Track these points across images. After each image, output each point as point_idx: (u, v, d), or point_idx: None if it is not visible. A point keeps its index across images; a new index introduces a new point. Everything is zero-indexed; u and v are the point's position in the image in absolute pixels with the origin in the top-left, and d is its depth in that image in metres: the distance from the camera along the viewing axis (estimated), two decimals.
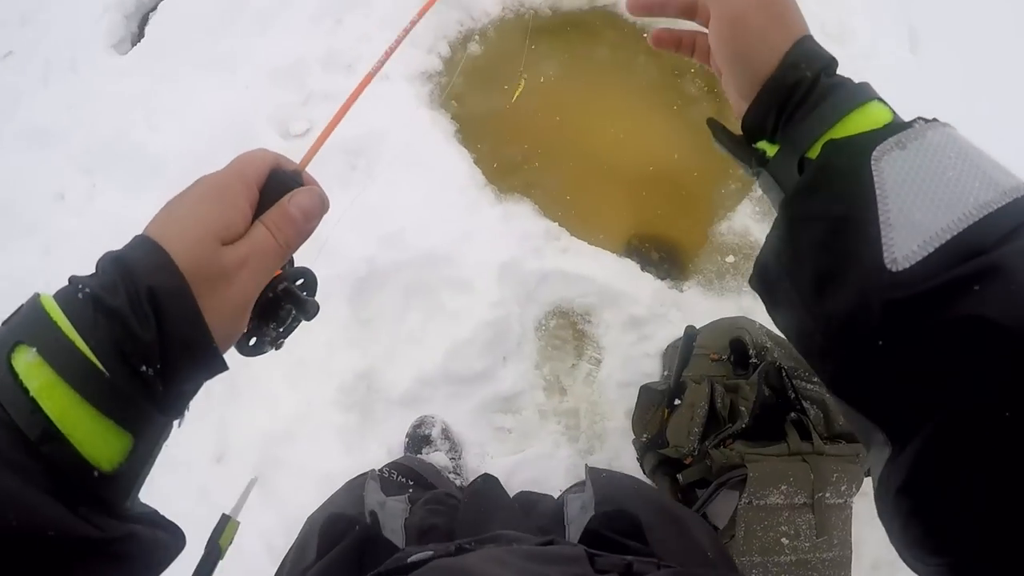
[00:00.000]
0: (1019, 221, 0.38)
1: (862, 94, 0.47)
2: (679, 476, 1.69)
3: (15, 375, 0.36)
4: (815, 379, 1.71)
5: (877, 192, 0.40)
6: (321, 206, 0.51)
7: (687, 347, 1.69)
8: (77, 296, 0.39)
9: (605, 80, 2.33)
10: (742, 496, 1.53)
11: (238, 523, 0.62)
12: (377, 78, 2.04)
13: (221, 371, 0.43)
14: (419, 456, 1.76)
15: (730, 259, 2.14)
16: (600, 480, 0.90)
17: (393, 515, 0.87)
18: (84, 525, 0.36)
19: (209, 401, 1.84)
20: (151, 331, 0.38)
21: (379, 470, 1.19)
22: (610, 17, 2.38)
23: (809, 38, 0.50)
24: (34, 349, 0.37)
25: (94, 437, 0.37)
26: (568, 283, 2.00)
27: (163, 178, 2.06)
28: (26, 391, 0.36)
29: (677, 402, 1.72)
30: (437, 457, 1.77)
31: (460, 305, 1.90)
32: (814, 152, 0.46)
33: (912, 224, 0.39)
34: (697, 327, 1.90)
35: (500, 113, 2.25)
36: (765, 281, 0.50)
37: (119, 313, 0.38)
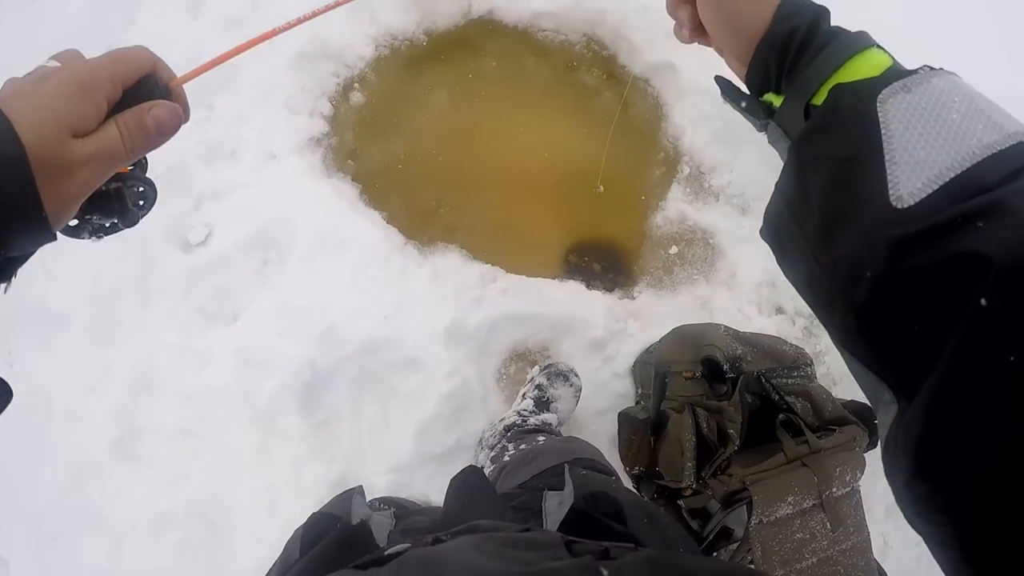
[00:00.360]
0: (1023, 162, 0.39)
1: (861, 41, 0.49)
2: (680, 502, 1.66)
3: None
4: (795, 372, 1.67)
5: (883, 132, 0.42)
6: (177, 124, 0.50)
7: (660, 384, 1.64)
8: None
9: (500, 93, 2.20)
10: (751, 518, 1.50)
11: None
12: (266, 159, 1.91)
13: (49, 241, 0.43)
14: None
15: (673, 250, 2.06)
16: (580, 478, 0.94)
17: (380, 527, 0.87)
18: None
19: (195, 548, 1.76)
20: None
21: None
22: (488, 26, 2.24)
23: None
24: None
25: None
26: (518, 324, 1.92)
27: (71, 330, 1.92)
28: None
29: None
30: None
31: (414, 385, 1.81)
32: (819, 98, 0.48)
33: (917, 162, 0.40)
34: (661, 336, 1.85)
35: (401, 159, 2.12)
36: (774, 230, 0.51)
37: None
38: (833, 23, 0.52)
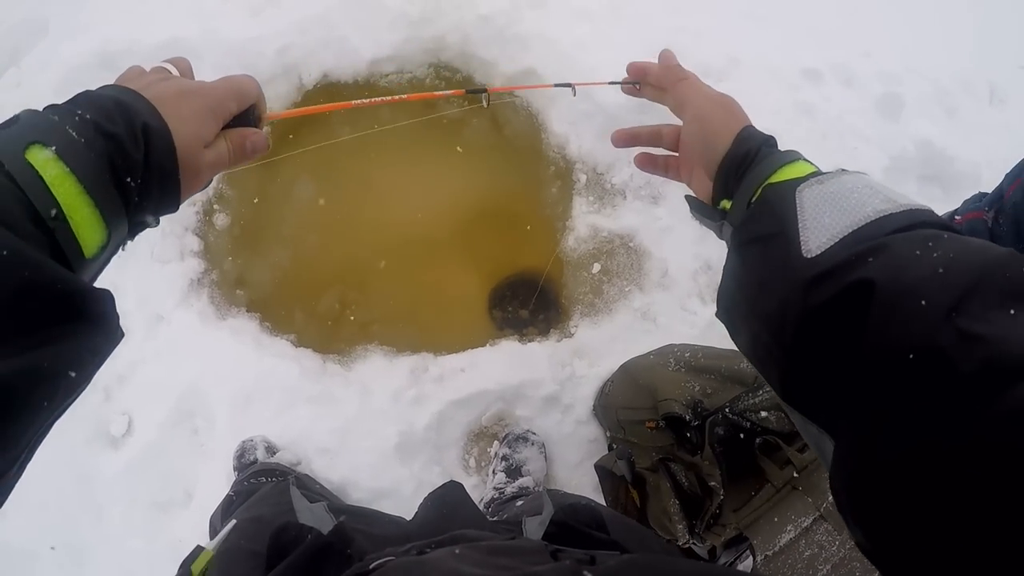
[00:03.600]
0: (911, 221, 0.47)
1: (792, 155, 0.62)
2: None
3: (31, 167, 0.44)
4: (760, 391, 1.57)
5: (798, 211, 0.52)
6: (264, 150, 0.64)
7: (631, 471, 1.57)
8: (75, 118, 0.48)
9: (366, 159, 2.02)
10: (756, 560, 1.47)
11: (212, 553, 0.73)
12: (155, 323, 1.79)
13: (173, 210, 0.56)
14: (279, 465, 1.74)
15: (596, 268, 1.93)
16: (558, 496, 1.00)
17: (324, 523, 0.91)
18: (78, 280, 0.44)
19: None
20: (140, 152, 0.50)
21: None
22: (327, 92, 2.02)
23: (751, 126, 0.67)
24: (52, 147, 0.46)
25: (87, 224, 0.47)
26: (465, 408, 1.83)
27: (42, 562, 1.88)
28: (42, 179, 0.45)
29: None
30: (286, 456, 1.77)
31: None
32: (756, 197, 0.60)
33: (822, 226, 0.50)
34: (611, 371, 1.76)
35: (288, 268, 1.98)
36: (725, 306, 0.61)
37: (116, 136, 0.49)
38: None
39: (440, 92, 0.91)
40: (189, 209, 2.00)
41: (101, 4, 2.11)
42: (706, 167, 0.67)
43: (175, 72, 0.62)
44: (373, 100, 0.79)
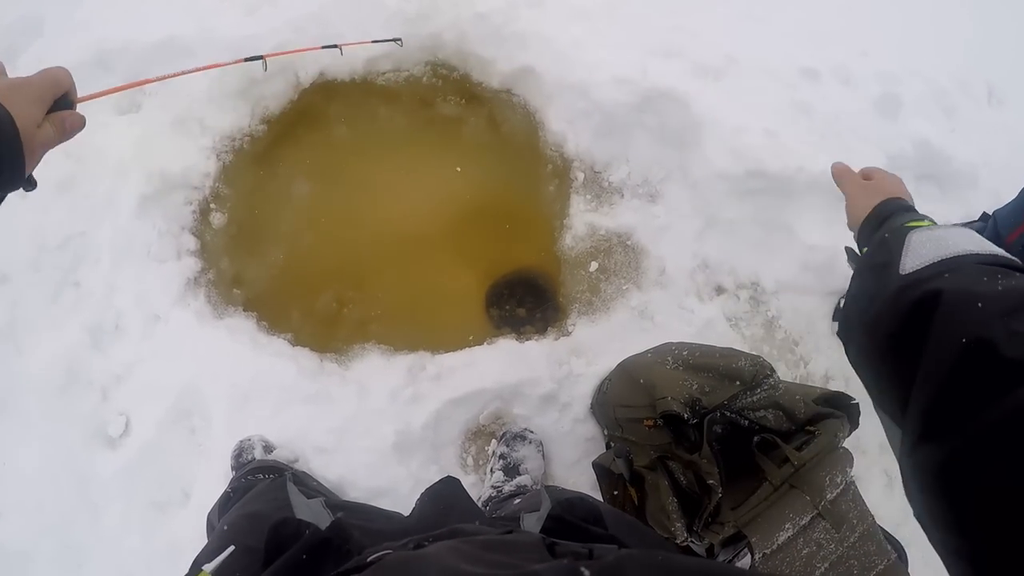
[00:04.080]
0: (993, 260, 0.58)
1: (922, 215, 0.78)
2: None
3: None
4: (758, 389, 1.57)
5: (905, 245, 0.65)
6: (81, 127, 0.74)
7: (629, 470, 1.57)
8: None
9: (362, 157, 2.01)
10: (754, 558, 1.46)
11: (209, 575, 0.73)
12: (152, 322, 1.78)
13: (18, 185, 0.66)
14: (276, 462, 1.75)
15: (594, 266, 1.92)
16: (556, 492, 1.02)
17: (321, 518, 0.93)
18: None
19: None
20: None
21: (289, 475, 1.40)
22: (324, 90, 2.02)
23: (898, 199, 0.86)
24: None
25: None
26: (463, 406, 1.83)
27: (38, 564, 1.88)
28: None
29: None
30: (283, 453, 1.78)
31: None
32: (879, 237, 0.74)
33: (918, 255, 0.62)
34: (608, 368, 1.76)
35: (285, 266, 1.97)
36: (843, 323, 0.72)
37: None
38: None
39: (221, 63, 1.15)
40: (186, 208, 2.00)
41: (97, 3, 2.10)
42: (854, 231, 0.89)
43: None
44: (167, 75, 1.04)
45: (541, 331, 1.91)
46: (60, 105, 0.72)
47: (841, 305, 1.66)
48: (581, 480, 1.84)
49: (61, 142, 0.72)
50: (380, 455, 1.77)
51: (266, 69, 1.34)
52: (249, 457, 1.76)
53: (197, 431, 1.89)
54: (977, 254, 0.59)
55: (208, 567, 0.71)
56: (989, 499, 0.42)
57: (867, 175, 0.98)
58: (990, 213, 1.72)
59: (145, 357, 1.91)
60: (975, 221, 1.79)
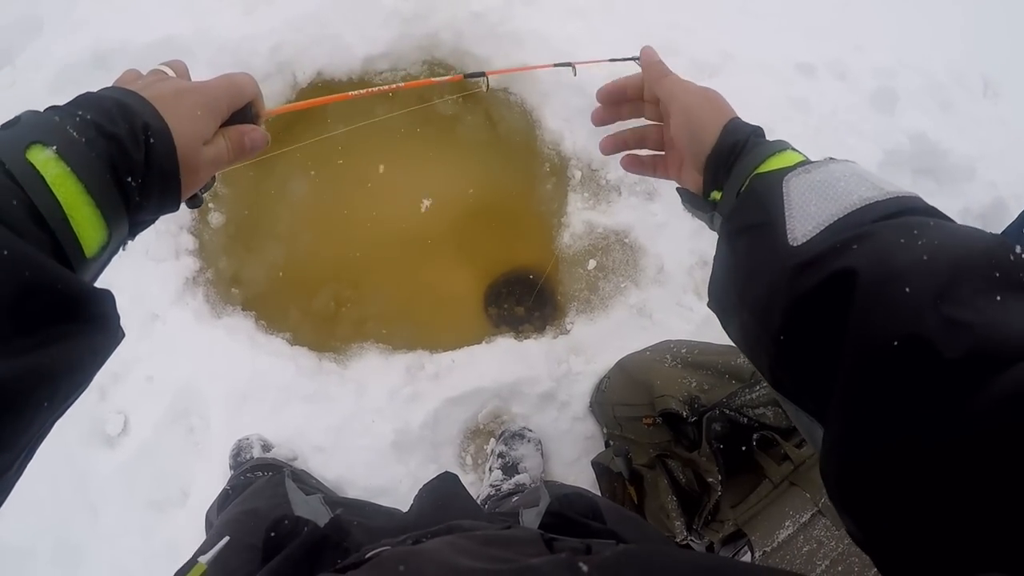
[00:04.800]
0: (897, 209, 0.47)
1: (780, 144, 0.62)
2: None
3: (32, 166, 0.44)
4: (757, 387, 1.57)
5: (784, 200, 0.52)
6: (264, 146, 0.65)
7: (628, 468, 1.57)
8: (76, 119, 0.49)
9: (361, 157, 2.02)
10: (754, 555, 1.47)
11: (205, 567, 0.70)
12: (150, 322, 1.78)
13: (174, 209, 0.58)
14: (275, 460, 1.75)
15: (592, 264, 1.92)
16: (555, 487, 0.99)
17: (320, 515, 0.92)
18: (80, 280, 0.44)
19: None
20: (140, 152, 0.51)
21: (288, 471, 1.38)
22: (322, 90, 2.01)
23: (738, 118, 0.67)
24: (53, 147, 0.46)
25: (87, 223, 0.47)
26: (461, 405, 1.83)
27: (39, 562, 1.88)
28: (43, 179, 0.44)
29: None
30: (282, 451, 1.78)
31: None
32: (745, 187, 0.59)
33: (808, 215, 0.50)
34: (607, 366, 1.76)
35: (283, 266, 1.97)
36: (716, 297, 0.62)
37: (117, 136, 0.49)
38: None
39: (438, 79, 0.95)
40: (182, 208, 1.99)
41: (95, 3, 2.10)
42: (694, 160, 0.67)
43: (171, 74, 0.63)
44: (370, 90, 0.81)
45: (540, 330, 1.91)
46: (240, 118, 0.62)
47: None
48: (580, 479, 1.84)
49: (238, 162, 0.63)
50: (379, 454, 1.77)
51: (487, 89, 1.25)
52: (247, 456, 1.76)
53: (195, 430, 1.89)
54: (877, 201, 0.48)
55: (204, 558, 0.71)
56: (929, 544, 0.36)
57: (650, 71, 0.75)
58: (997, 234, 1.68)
59: (143, 357, 1.91)
60: None
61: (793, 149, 0.61)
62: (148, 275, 1.96)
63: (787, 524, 1.45)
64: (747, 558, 1.50)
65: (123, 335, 0.53)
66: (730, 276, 0.58)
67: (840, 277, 0.43)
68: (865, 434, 0.39)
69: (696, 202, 0.69)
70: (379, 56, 1.98)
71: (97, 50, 1.97)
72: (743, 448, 1.54)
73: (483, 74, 1.04)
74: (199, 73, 0.62)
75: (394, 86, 0.88)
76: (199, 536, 1.71)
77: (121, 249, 0.57)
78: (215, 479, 1.82)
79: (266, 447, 1.78)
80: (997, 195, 2.03)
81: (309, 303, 1.95)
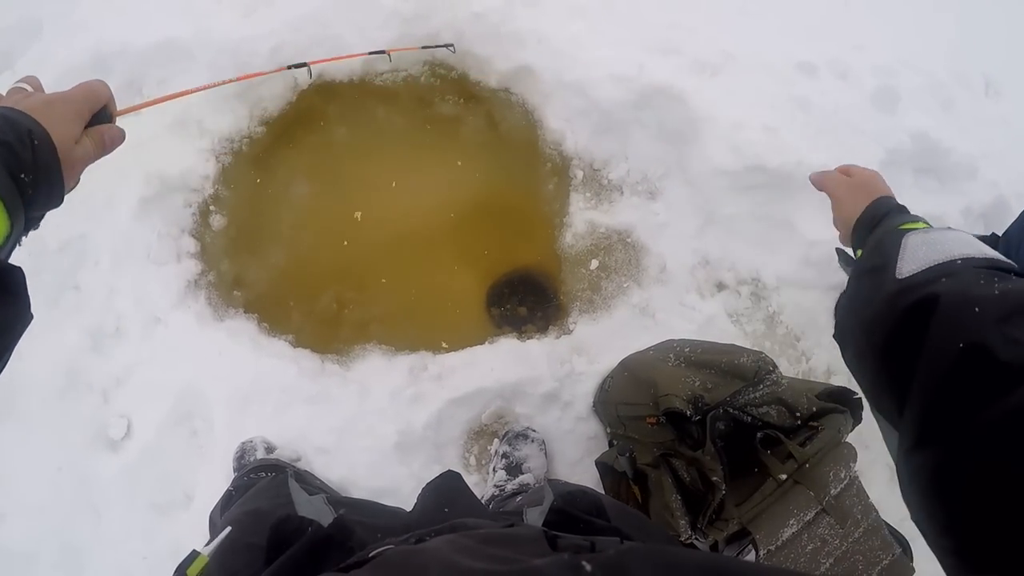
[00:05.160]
0: (989, 265, 0.58)
1: (915, 217, 0.77)
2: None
3: None
4: (760, 386, 1.57)
5: (901, 248, 0.65)
6: (121, 140, 0.74)
7: (632, 467, 1.56)
8: None
9: (362, 158, 2.01)
10: (758, 555, 1.46)
11: (207, 559, 0.74)
12: (152, 325, 1.78)
13: (58, 203, 0.65)
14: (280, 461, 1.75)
15: (594, 264, 1.92)
16: (559, 485, 1.02)
17: (323, 515, 0.94)
18: None
19: None
20: (28, 153, 0.59)
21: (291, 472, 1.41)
22: (323, 91, 2.02)
23: (888, 197, 0.84)
24: None
25: None
26: (464, 406, 1.83)
27: (41, 566, 1.87)
28: None
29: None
30: (285, 452, 1.78)
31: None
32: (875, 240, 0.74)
33: (915, 259, 0.62)
34: (610, 365, 1.76)
35: (285, 268, 1.97)
36: (840, 327, 0.73)
37: (7, 142, 0.57)
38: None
39: (258, 72, 1.14)
40: (185, 211, 2.00)
41: (94, 5, 2.10)
42: (845, 234, 0.87)
43: (30, 89, 0.71)
44: (199, 87, 0.98)
45: (542, 330, 1.91)
46: (99, 119, 0.71)
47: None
48: (584, 478, 1.84)
49: (101, 157, 0.71)
50: (382, 455, 1.77)
51: (311, 76, 1.33)
52: (251, 459, 1.76)
53: (198, 433, 1.89)
54: (973, 257, 0.59)
55: (205, 550, 0.71)
56: (982, 497, 0.43)
57: (846, 172, 0.96)
58: (1000, 234, 1.69)
59: (145, 359, 1.91)
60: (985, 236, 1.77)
61: (925, 221, 0.75)
62: (150, 279, 1.95)
63: (791, 523, 1.45)
64: (751, 557, 1.49)
65: (32, 316, 0.59)
66: (852, 306, 0.70)
67: (928, 299, 0.54)
68: (932, 420, 0.48)
69: (844, 257, 0.90)
70: (380, 57, 1.97)
71: (97, 52, 1.97)
72: (747, 447, 1.54)
73: (306, 64, 1.14)
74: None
75: (222, 82, 1.00)
76: (203, 538, 1.70)
77: (18, 244, 0.62)
78: (218, 482, 1.81)
79: (269, 449, 1.78)
80: (999, 194, 2.03)
81: (311, 305, 1.95)
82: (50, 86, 0.70)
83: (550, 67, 1.89)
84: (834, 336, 0.75)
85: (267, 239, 1.98)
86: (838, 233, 0.94)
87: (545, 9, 2.04)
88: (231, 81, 1.03)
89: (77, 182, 0.69)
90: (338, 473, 1.77)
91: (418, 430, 1.79)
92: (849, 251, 0.89)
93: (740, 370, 1.57)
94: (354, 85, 2.00)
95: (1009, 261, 0.60)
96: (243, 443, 1.79)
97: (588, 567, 0.41)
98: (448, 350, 1.87)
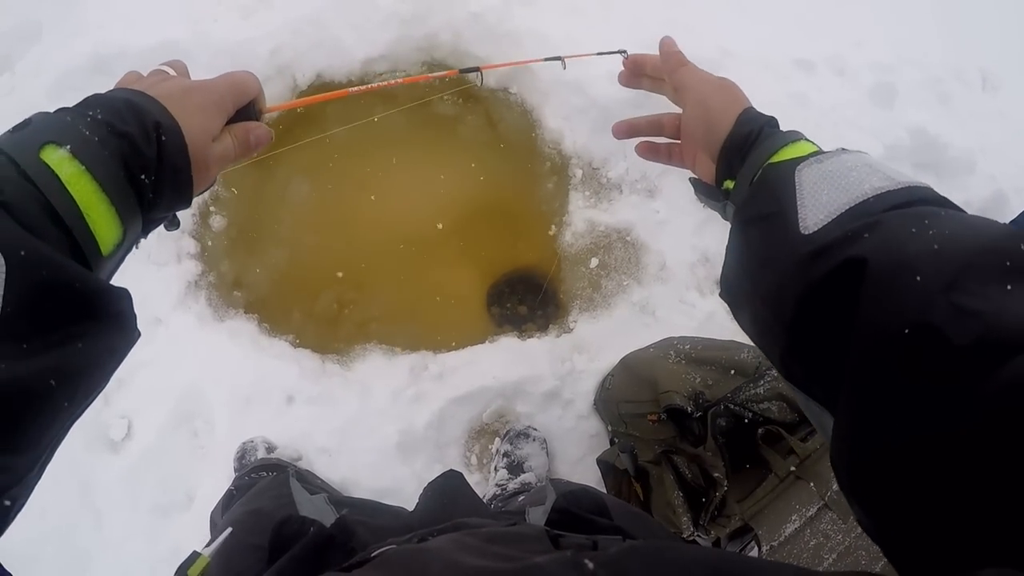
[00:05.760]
0: (908, 199, 0.48)
1: (794, 135, 0.62)
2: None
3: (47, 166, 0.45)
4: (761, 381, 1.57)
5: (796, 189, 0.53)
6: (268, 142, 0.67)
7: (634, 465, 1.57)
8: (87, 119, 0.49)
9: (361, 158, 2.02)
10: (761, 551, 1.47)
11: (208, 559, 0.72)
12: (153, 326, 1.78)
13: (185, 206, 0.58)
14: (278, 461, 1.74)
15: (594, 263, 1.92)
16: (561, 484, 1.00)
17: (325, 514, 0.93)
18: (97, 279, 0.45)
19: None
20: (152, 149, 0.51)
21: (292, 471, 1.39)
22: (325, 91, 2.01)
23: (752, 108, 0.67)
24: (67, 146, 0.46)
25: (103, 221, 0.47)
26: (466, 405, 1.83)
27: (44, 571, 1.88)
28: (58, 177, 0.45)
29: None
30: (287, 452, 1.77)
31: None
32: (758, 177, 0.60)
33: (819, 204, 0.50)
34: (611, 364, 1.76)
35: (285, 269, 1.97)
36: (728, 286, 0.62)
37: (129, 134, 0.49)
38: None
39: (432, 74, 1.03)
40: (185, 212, 1.99)
41: (93, 7, 2.10)
42: (709, 150, 0.67)
43: (173, 73, 0.63)
44: (369, 86, 0.87)
45: (542, 328, 1.91)
46: (244, 115, 0.63)
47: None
48: (586, 477, 1.84)
49: (244, 158, 0.63)
50: (383, 455, 1.77)
51: (481, 84, 1.27)
52: (252, 459, 1.76)
53: (199, 434, 1.89)
54: (888, 191, 0.48)
55: (206, 550, 0.71)
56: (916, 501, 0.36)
57: (668, 60, 0.79)
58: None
59: (146, 361, 1.91)
60: None
61: (806, 139, 0.62)
62: (150, 279, 1.95)
63: (794, 518, 1.45)
64: (754, 553, 1.50)
65: (139, 334, 0.53)
66: (742, 265, 0.58)
67: (850, 265, 0.43)
68: (874, 422, 0.39)
69: (709, 192, 0.70)
70: (378, 58, 1.98)
71: (97, 55, 1.97)
72: (748, 443, 1.54)
73: (478, 69, 1.07)
74: (197, 77, 0.62)
75: (394, 81, 0.91)
76: (204, 540, 1.70)
77: (135, 247, 0.57)
78: (220, 483, 1.81)
79: (270, 449, 1.78)
80: (997, 188, 2.03)
81: (312, 305, 1.95)
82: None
83: (548, 66, 1.89)
84: (720, 295, 0.64)
85: (267, 239, 1.98)
86: (679, 145, 0.75)
87: (542, 8, 2.04)
88: (399, 83, 1.00)
89: (213, 183, 0.62)
90: (340, 474, 1.77)
91: (419, 430, 1.79)
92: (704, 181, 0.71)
93: (740, 366, 1.58)
94: (353, 85, 1.99)
95: (926, 185, 0.50)
96: (244, 443, 1.79)
97: (590, 565, 0.40)
98: (449, 349, 1.86)
